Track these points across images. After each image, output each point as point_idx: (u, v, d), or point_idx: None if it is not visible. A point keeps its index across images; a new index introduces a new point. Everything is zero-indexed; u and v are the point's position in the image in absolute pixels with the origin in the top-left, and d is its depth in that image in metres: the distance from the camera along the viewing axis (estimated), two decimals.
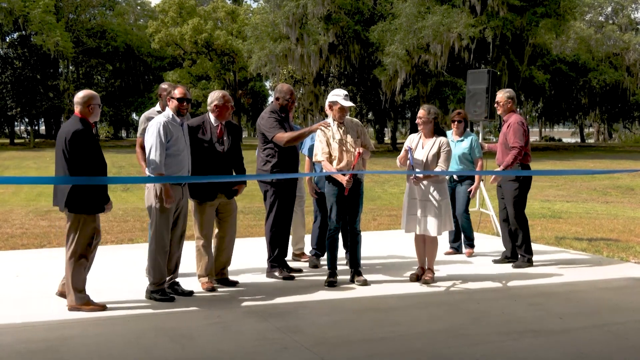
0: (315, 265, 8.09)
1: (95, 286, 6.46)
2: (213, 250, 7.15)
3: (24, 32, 49.59)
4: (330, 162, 7.13)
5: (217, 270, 7.17)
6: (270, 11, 41.35)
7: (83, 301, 6.06)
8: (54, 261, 8.46)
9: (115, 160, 30.95)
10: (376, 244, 8.66)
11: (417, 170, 7.25)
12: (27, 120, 56.30)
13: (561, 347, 5.21)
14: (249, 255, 8.52)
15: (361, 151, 7.08)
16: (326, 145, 7.14)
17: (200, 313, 6.12)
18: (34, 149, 43.79)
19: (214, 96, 6.96)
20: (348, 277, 7.41)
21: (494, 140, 45.70)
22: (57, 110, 52.72)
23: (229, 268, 7.32)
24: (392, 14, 38.06)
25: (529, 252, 8.36)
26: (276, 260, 7.60)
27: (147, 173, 6.40)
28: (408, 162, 7.28)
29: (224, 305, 6.42)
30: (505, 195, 8.38)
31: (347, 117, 7.29)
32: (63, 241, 10.05)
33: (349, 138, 7.14)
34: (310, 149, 7.79)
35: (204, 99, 45.92)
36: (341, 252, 7.78)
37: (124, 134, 77.90)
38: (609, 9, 60.41)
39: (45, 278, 7.48)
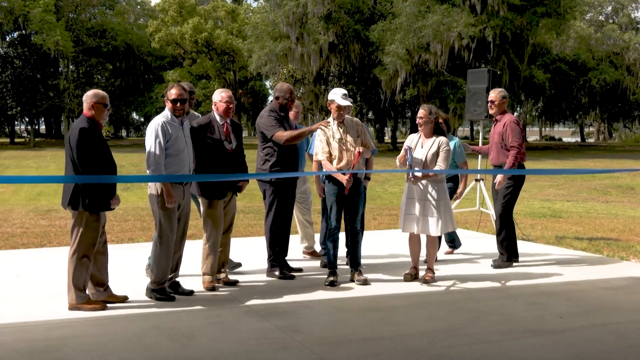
0: (325, 265, 8.04)
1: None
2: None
3: (24, 31, 49.56)
4: (331, 162, 7.14)
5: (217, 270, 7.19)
6: (270, 10, 41.34)
7: (83, 300, 6.06)
8: (54, 260, 8.47)
9: (116, 160, 30.78)
10: (376, 243, 8.66)
11: (417, 169, 7.25)
12: (27, 119, 56.28)
13: (561, 347, 5.21)
14: (249, 255, 8.52)
15: (361, 150, 7.08)
16: (326, 144, 7.15)
17: (201, 312, 6.12)
18: (34, 148, 43.79)
19: (217, 94, 7.01)
20: (348, 276, 7.41)
21: None
22: (57, 110, 52.71)
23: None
24: (392, 14, 38.06)
25: (510, 251, 8.33)
26: (276, 259, 7.60)
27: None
28: (407, 161, 7.29)
29: (224, 304, 6.43)
30: (496, 195, 8.33)
31: (348, 116, 7.29)
32: (63, 240, 10.11)
33: (349, 137, 7.14)
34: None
35: (204, 98, 46.01)
36: (342, 252, 7.78)
37: (124, 133, 77.89)
38: (609, 8, 60.42)
39: (46, 277, 7.49)
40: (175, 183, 6.41)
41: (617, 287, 7.31)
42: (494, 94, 8.34)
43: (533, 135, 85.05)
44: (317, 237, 8.76)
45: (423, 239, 7.62)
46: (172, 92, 6.48)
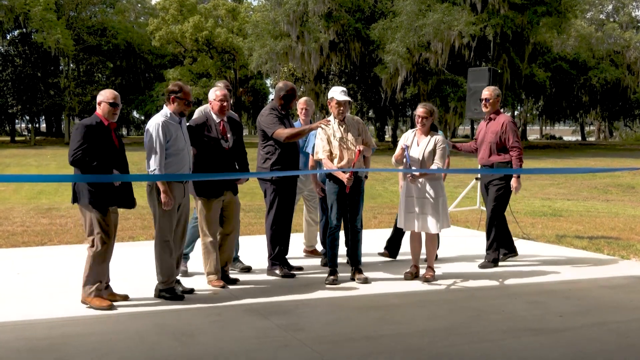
0: (326, 264, 8.04)
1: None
2: (219, 247, 7.20)
3: (24, 29, 49.57)
4: (331, 160, 7.14)
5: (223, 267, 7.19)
6: (270, 9, 41.32)
7: (94, 295, 6.08)
8: (55, 259, 8.48)
9: None
10: (377, 242, 8.66)
11: (414, 168, 7.25)
12: (27, 117, 56.31)
13: (561, 346, 5.22)
14: (250, 253, 8.52)
15: (362, 149, 7.09)
16: (327, 143, 7.15)
17: (201, 311, 6.13)
18: (34, 147, 43.80)
19: (213, 92, 7.01)
20: (349, 275, 7.42)
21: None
22: (57, 108, 52.72)
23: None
24: (393, 12, 38.04)
25: (497, 252, 8.30)
26: (277, 258, 7.60)
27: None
28: (405, 160, 7.28)
29: (225, 302, 6.43)
30: (489, 194, 8.29)
31: (348, 114, 7.30)
32: (64, 239, 10.12)
33: (350, 136, 7.14)
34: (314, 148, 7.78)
35: (204, 97, 45.95)
36: (342, 250, 7.78)
37: (124, 131, 77.86)
38: (610, 6, 60.40)
39: (46, 276, 7.50)
40: (175, 182, 6.41)
41: (617, 285, 7.31)
42: (488, 92, 8.29)
43: (533, 134, 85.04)
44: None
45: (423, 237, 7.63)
46: (186, 93, 6.50)
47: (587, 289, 7.12)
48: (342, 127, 7.17)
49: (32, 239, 10.16)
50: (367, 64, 42.00)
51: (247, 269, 7.76)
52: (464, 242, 9.34)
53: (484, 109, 8.34)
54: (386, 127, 62.03)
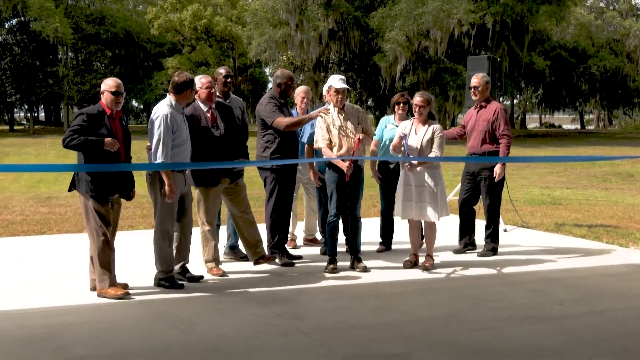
0: (325, 252, 8.02)
1: None
2: (239, 233, 7.24)
3: (22, 18, 49.35)
4: (331, 149, 7.13)
5: (253, 251, 7.18)
6: None
7: (108, 285, 6.11)
8: (55, 248, 8.48)
9: None
10: (376, 230, 8.66)
11: (412, 156, 7.24)
12: (26, 106, 56.20)
13: (561, 333, 5.22)
14: None
15: (361, 137, 7.07)
16: (326, 131, 7.13)
17: (201, 299, 6.13)
18: (33, 136, 43.73)
19: (195, 82, 6.93)
20: (348, 263, 7.42)
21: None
22: (56, 97, 52.60)
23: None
24: (392, 0, 37.92)
25: (496, 241, 8.31)
26: (276, 246, 7.60)
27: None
28: (402, 148, 7.27)
29: (224, 291, 6.44)
30: (483, 184, 8.21)
31: (348, 103, 7.28)
32: (63, 228, 10.13)
33: (349, 124, 7.12)
34: (310, 137, 7.77)
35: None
36: (341, 239, 7.78)
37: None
38: None
39: (46, 265, 7.50)
40: (177, 172, 6.40)
41: (616, 273, 7.32)
42: (477, 80, 8.18)
43: (533, 122, 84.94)
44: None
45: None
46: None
47: (587, 277, 7.12)
48: (342, 115, 7.15)
49: (32, 228, 10.16)
50: (366, 52, 41.89)
51: (247, 258, 7.76)
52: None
53: (473, 97, 8.24)
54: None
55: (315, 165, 7.90)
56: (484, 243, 8.33)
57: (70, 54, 54.17)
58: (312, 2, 38.26)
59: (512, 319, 5.60)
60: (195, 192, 7.04)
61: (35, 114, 63.93)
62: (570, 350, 4.84)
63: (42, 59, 50.14)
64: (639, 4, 61.25)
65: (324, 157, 7.20)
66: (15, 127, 55.30)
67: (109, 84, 6.08)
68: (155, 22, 49.85)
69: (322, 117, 7.14)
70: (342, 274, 7.17)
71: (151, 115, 6.43)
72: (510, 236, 9.64)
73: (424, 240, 7.70)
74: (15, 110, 59.72)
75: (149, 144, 6.43)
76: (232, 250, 7.80)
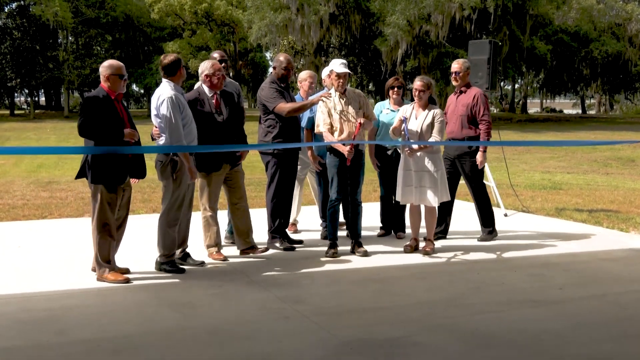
0: (326, 237, 8.02)
1: None
2: (232, 220, 7.25)
3: (22, 2, 49.23)
4: (332, 133, 7.12)
5: (243, 240, 7.20)
6: None
7: (107, 271, 6.11)
8: (56, 232, 8.50)
9: None
10: (377, 215, 8.67)
11: (412, 140, 7.24)
12: (26, 91, 56.11)
13: (561, 317, 5.24)
14: None
15: (362, 122, 7.06)
16: (327, 116, 7.12)
17: (202, 283, 6.15)
18: (34, 120, 43.72)
19: (204, 66, 6.92)
20: (349, 248, 7.43)
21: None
22: (56, 81, 52.51)
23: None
24: None
25: (491, 224, 8.27)
26: (277, 231, 7.62)
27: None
28: (403, 133, 7.27)
29: (225, 275, 6.46)
30: (464, 170, 8.18)
31: (349, 87, 7.26)
32: (64, 212, 10.15)
33: (351, 109, 7.11)
34: (309, 121, 7.76)
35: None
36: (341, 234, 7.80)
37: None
38: None
39: (47, 249, 7.52)
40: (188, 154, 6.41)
41: (616, 258, 7.33)
42: (458, 65, 8.12)
43: (534, 107, 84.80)
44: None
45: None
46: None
47: (587, 262, 7.14)
48: (343, 100, 7.14)
49: (33, 213, 10.18)
50: (367, 36, 41.75)
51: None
52: (463, 215, 9.35)
53: (454, 82, 8.16)
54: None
55: (315, 150, 7.90)
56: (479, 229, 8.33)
57: (70, 38, 54.03)
58: None
59: (512, 303, 5.62)
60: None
61: (36, 99, 63.84)
62: (570, 334, 4.86)
63: (42, 43, 49.99)
64: None
65: (325, 141, 7.19)
66: (16, 112, 55.27)
67: (115, 67, 6.03)
68: (155, 6, 49.65)
69: (323, 101, 7.13)
70: (342, 258, 7.18)
71: (155, 102, 6.37)
72: (511, 221, 9.65)
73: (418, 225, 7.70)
74: (16, 94, 59.66)
75: (155, 129, 6.41)
76: (233, 234, 7.81)
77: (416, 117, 7.33)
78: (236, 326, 5.00)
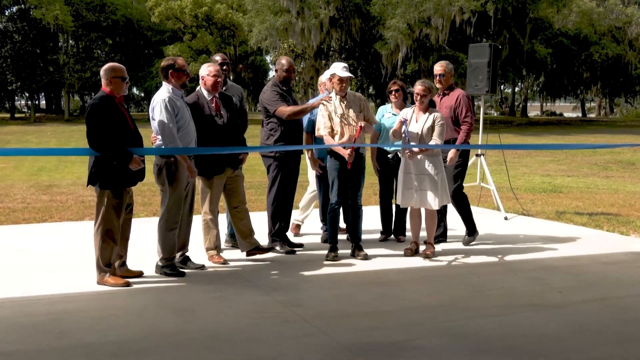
0: (326, 240, 8.03)
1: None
2: (233, 224, 7.24)
3: (23, 5, 49.26)
4: (332, 137, 7.13)
5: (247, 241, 7.20)
6: None
7: (106, 275, 6.11)
8: (56, 235, 8.50)
9: None
10: (377, 218, 8.67)
11: (413, 143, 7.25)
12: (27, 94, 56.16)
13: (561, 321, 5.24)
14: None
15: (363, 125, 7.07)
16: (328, 119, 7.13)
17: (202, 287, 6.15)
18: (34, 124, 43.74)
19: (202, 69, 6.94)
20: (349, 251, 7.43)
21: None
22: (57, 85, 52.53)
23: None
24: None
25: (472, 227, 8.24)
26: (277, 234, 7.62)
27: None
28: (403, 135, 7.28)
29: (225, 278, 6.46)
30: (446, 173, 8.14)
31: (350, 91, 7.27)
32: (65, 215, 10.14)
33: (351, 112, 7.12)
34: (309, 124, 7.78)
35: None
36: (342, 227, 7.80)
37: None
38: None
39: (47, 252, 7.52)
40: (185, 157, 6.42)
41: (617, 262, 7.33)
42: (441, 68, 8.08)
43: (534, 110, 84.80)
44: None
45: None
46: (180, 63, 6.47)
47: (587, 265, 7.14)
48: (344, 103, 7.14)
49: (33, 216, 10.18)
50: (367, 40, 41.78)
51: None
52: None
53: (437, 85, 8.10)
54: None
55: (315, 153, 7.90)
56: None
57: (70, 41, 54.09)
58: None
59: (512, 307, 5.62)
60: (198, 181, 7.04)
61: (36, 102, 63.83)
62: (570, 337, 4.86)
63: (43, 46, 50.05)
64: None
65: (326, 144, 7.20)
66: (16, 115, 55.31)
67: (117, 70, 6.03)
68: (155, 9, 49.74)
69: (324, 104, 7.13)
70: (343, 261, 7.18)
71: (151, 105, 6.43)
72: (511, 224, 9.66)
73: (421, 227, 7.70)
74: (16, 98, 59.70)
75: (153, 134, 6.42)
76: (233, 238, 7.81)
77: (417, 120, 7.33)
78: (236, 330, 5.00)
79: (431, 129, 7.24)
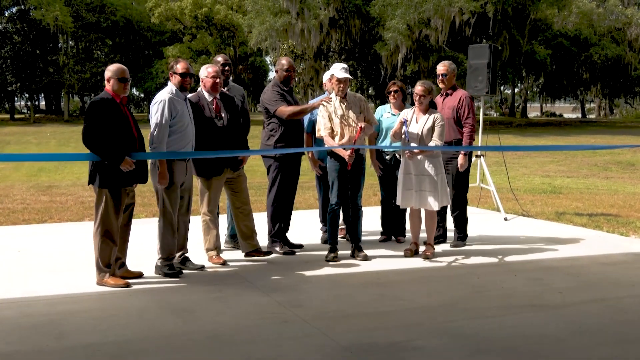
0: (326, 241, 8.03)
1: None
2: (236, 224, 7.26)
3: (22, 6, 49.24)
4: (332, 138, 7.13)
5: (248, 243, 7.23)
6: None
7: (106, 276, 6.10)
8: (56, 236, 8.50)
9: None
10: (377, 219, 8.67)
11: (413, 144, 7.25)
12: (27, 95, 56.14)
13: (560, 322, 5.24)
14: None
15: (363, 126, 7.07)
16: (328, 120, 7.13)
17: (202, 288, 6.15)
18: (34, 124, 43.72)
19: (201, 71, 6.96)
20: (349, 252, 7.43)
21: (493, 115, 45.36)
22: (57, 86, 52.53)
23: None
24: None
25: (465, 231, 8.23)
26: (277, 235, 7.63)
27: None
28: (403, 136, 7.28)
29: (225, 279, 6.46)
30: (451, 173, 8.02)
31: (350, 92, 7.27)
32: (64, 216, 10.15)
33: (351, 113, 7.12)
34: (310, 125, 7.78)
35: None
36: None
37: None
38: None
39: (47, 253, 7.52)
40: (178, 159, 6.41)
41: (616, 262, 7.33)
42: (444, 67, 8.07)
43: (534, 111, 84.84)
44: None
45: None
46: (180, 66, 6.47)
47: (587, 266, 7.14)
48: (344, 104, 7.14)
49: (33, 217, 10.18)
50: (367, 40, 41.78)
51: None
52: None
53: (440, 85, 8.13)
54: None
55: (315, 154, 7.91)
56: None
57: (70, 42, 54.08)
58: None
59: (512, 308, 5.62)
60: (197, 182, 7.05)
61: (36, 103, 63.84)
62: (570, 338, 4.86)
63: (43, 47, 50.04)
64: None
65: (326, 145, 7.20)
66: (16, 116, 55.30)
67: (118, 71, 6.03)
68: (155, 10, 49.73)
69: (324, 105, 7.14)
70: (342, 262, 7.19)
71: (152, 102, 6.45)
72: (511, 225, 9.66)
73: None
74: (16, 98, 59.69)
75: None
76: (233, 239, 7.81)
77: (417, 121, 7.33)
78: (236, 331, 5.00)
79: (431, 129, 7.24)
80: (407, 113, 7.44)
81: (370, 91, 56.43)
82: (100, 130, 5.82)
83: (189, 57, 48.80)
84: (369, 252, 7.46)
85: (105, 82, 6.05)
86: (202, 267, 6.80)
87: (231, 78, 7.55)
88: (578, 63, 50.88)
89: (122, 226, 6.25)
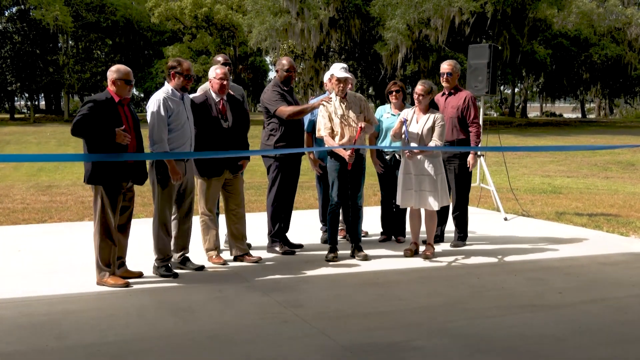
0: (326, 241, 8.03)
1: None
2: (227, 226, 7.24)
3: (22, 6, 49.20)
4: (333, 137, 7.12)
5: (237, 246, 7.22)
6: None
7: (106, 275, 6.10)
8: (56, 236, 8.50)
9: None
10: (377, 219, 8.67)
11: (413, 144, 7.25)
12: (27, 95, 56.11)
13: (560, 322, 5.24)
14: (250, 231, 8.53)
15: (363, 126, 7.06)
16: (328, 120, 7.12)
17: (202, 287, 6.15)
18: (34, 124, 43.70)
19: (210, 71, 7.00)
20: (349, 252, 7.43)
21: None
22: (57, 85, 52.48)
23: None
24: None
25: (466, 231, 8.24)
26: (277, 235, 7.62)
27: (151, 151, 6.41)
28: (403, 136, 7.28)
29: (225, 279, 6.45)
30: (454, 173, 8.06)
31: (350, 91, 7.27)
32: (64, 216, 10.15)
33: (351, 113, 7.11)
34: (310, 124, 7.78)
35: (204, 73, 45.69)
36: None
37: None
38: None
39: (47, 253, 7.51)
40: (177, 159, 6.41)
41: (616, 262, 7.33)
42: (449, 66, 8.05)
43: (534, 111, 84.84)
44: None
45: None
46: (185, 67, 6.46)
47: (587, 266, 7.14)
48: (344, 104, 7.14)
49: (33, 216, 10.18)
50: (367, 40, 41.78)
51: (247, 246, 7.78)
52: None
53: (444, 84, 8.10)
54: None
55: (315, 153, 7.90)
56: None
57: (70, 42, 54.05)
58: None
59: (511, 308, 5.62)
60: (197, 181, 7.05)
61: (36, 103, 63.80)
62: (570, 338, 4.86)
63: (43, 47, 49.99)
64: None
65: (326, 145, 7.20)
66: (16, 116, 55.26)
67: (122, 72, 6.01)
68: (155, 10, 49.71)
69: (324, 105, 7.13)
70: (342, 262, 7.19)
71: (148, 103, 6.46)
72: (511, 225, 9.66)
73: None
74: (16, 98, 59.64)
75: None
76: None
77: (417, 120, 7.33)
78: (236, 331, 5.00)
79: (431, 129, 7.24)
80: (407, 113, 7.43)
81: (370, 91, 56.43)
82: (90, 122, 5.78)
83: (189, 57, 48.78)
84: (368, 251, 7.46)
85: (109, 82, 6.01)
86: (201, 267, 6.80)
87: (231, 78, 7.55)
88: (578, 63, 50.87)
89: (121, 226, 6.25)
